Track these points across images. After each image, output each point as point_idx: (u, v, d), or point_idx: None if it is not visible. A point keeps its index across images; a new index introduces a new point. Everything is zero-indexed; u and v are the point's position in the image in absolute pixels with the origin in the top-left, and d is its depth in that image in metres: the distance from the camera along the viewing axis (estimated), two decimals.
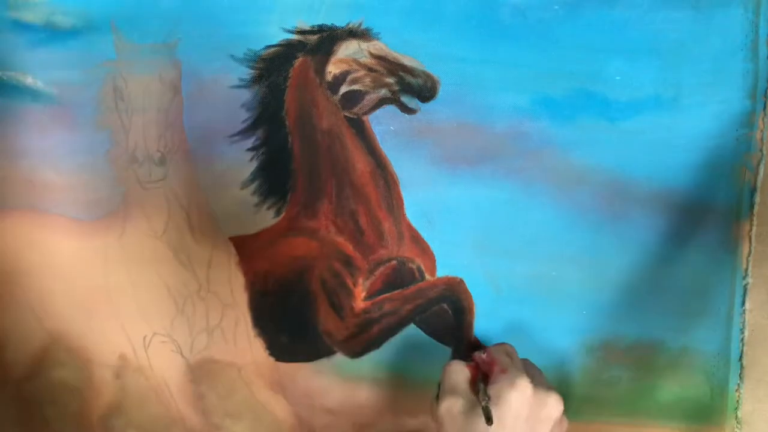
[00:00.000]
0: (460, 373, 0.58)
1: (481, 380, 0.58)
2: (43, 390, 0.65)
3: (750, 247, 0.62)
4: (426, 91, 0.62)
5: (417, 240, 0.64)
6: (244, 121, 0.63)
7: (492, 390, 0.55)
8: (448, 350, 0.65)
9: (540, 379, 0.57)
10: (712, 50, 0.60)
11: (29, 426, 0.65)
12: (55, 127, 0.62)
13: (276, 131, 0.63)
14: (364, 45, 0.62)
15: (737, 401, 0.64)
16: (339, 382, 0.65)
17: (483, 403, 0.54)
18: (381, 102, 0.62)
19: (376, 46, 0.62)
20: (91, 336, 0.65)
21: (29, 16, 0.61)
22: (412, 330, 0.65)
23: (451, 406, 0.55)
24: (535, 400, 0.54)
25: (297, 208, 0.64)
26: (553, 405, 0.55)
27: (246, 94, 0.62)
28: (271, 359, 0.65)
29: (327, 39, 0.62)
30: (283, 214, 0.64)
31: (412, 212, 0.64)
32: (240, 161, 0.63)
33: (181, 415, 0.66)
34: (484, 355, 0.59)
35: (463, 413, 0.54)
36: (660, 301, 0.63)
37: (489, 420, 0.53)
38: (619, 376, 0.64)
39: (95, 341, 0.65)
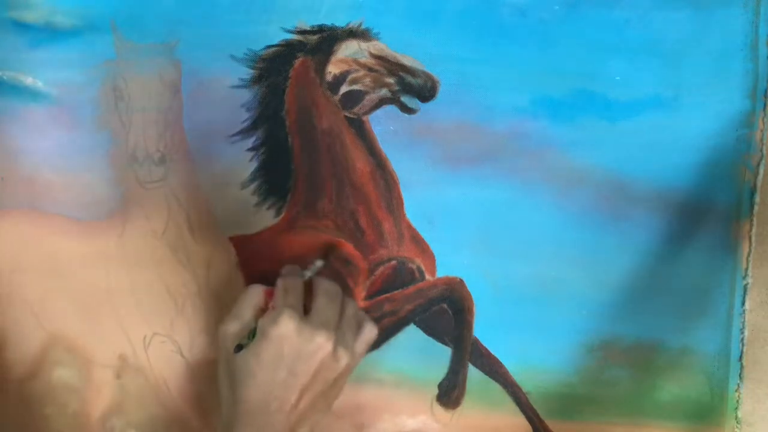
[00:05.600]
0: (251, 299, 0.57)
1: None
2: (43, 390, 0.65)
3: (750, 247, 0.62)
4: (426, 91, 0.62)
5: (417, 240, 0.64)
6: (244, 121, 0.63)
7: (259, 325, 0.54)
8: (448, 350, 0.65)
9: (322, 315, 0.55)
10: (712, 50, 0.60)
11: (29, 426, 0.65)
12: (55, 127, 0.62)
13: (276, 131, 0.63)
14: (364, 45, 0.62)
15: (737, 401, 0.64)
16: None
17: (241, 340, 0.54)
18: (381, 102, 0.63)
19: (376, 46, 0.62)
20: (91, 336, 0.65)
21: (29, 16, 0.61)
22: (412, 330, 0.65)
23: (227, 330, 0.55)
24: (299, 336, 0.53)
25: (297, 208, 0.64)
26: (319, 343, 0.53)
27: (246, 94, 0.62)
28: None
29: (327, 39, 0.62)
30: (283, 214, 0.64)
31: (412, 212, 0.64)
32: (240, 161, 0.63)
33: (181, 415, 0.66)
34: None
35: (234, 340, 0.55)
36: (660, 301, 0.63)
37: (237, 348, 0.54)
38: (619, 376, 0.64)
39: (95, 341, 0.65)
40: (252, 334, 0.55)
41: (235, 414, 0.53)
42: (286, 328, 0.53)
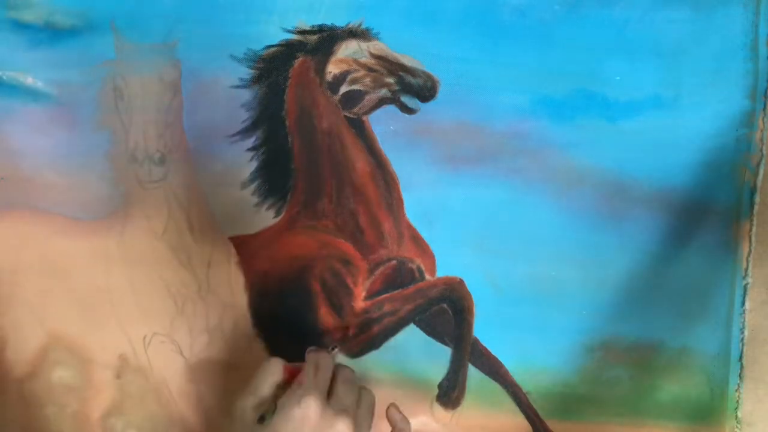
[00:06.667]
0: (270, 374, 0.55)
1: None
2: (43, 390, 0.65)
3: (750, 247, 0.62)
4: (426, 91, 0.62)
5: (417, 240, 0.64)
6: (244, 121, 0.63)
7: (281, 400, 0.53)
8: (448, 350, 0.65)
9: (343, 401, 0.54)
10: (712, 50, 0.60)
11: (29, 426, 0.65)
12: (55, 127, 0.62)
13: (276, 131, 0.63)
14: (364, 45, 0.62)
15: (737, 401, 0.64)
16: None
17: (263, 411, 0.53)
18: (381, 102, 0.63)
19: (376, 46, 0.62)
20: (91, 336, 0.65)
21: (29, 16, 0.61)
22: (412, 330, 0.65)
23: (245, 405, 0.54)
24: (320, 421, 0.52)
25: (297, 208, 0.64)
26: (340, 430, 0.52)
27: (246, 94, 0.62)
28: None
29: (327, 39, 0.62)
30: (283, 214, 0.64)
31: (412, 212, 0.64)
32: (240, 161, 0.63)
33: (181, 415, 0.66)
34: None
35: (252, 416, 0.53)
36: (660, 301, 0.63)
37: (260, 419, 0.53)
38: (619, 376, 0.64)
39: (95, 341, 0.65)
40: (272, 408, 0.53)
41: None
42: (309, 410, 0.52)
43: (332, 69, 0.62)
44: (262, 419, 0.53)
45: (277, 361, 0.57)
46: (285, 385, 0.55)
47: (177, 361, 0.65)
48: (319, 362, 0.56)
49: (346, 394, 0.55)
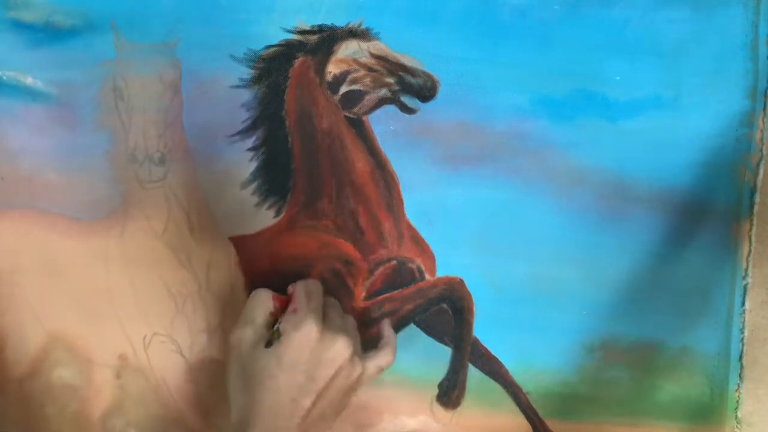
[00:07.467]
0: (261, 304, 0.58)
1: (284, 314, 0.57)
2: (43, 390, 0.65)
3: (750, 247, 0.62)
4: (426, 91, 0.62)
5: (417, 240, 0.64)
6: (244, 121, 0.63)
7: (282, 326, 0.55)
8: (448, 350, 0.65)
9: (336, 323, 0.57)
10: (712, 50, 0.60)
11: (29, 426, 0.65)
12: (55, 127, 0.62)
13: (276, 131, 0.63)
14: (364, 45, 0.62)
15: (737, 401, 0.64)
16: None
17: (269, 337, 0.55)
18: (381, 102, 0.63)
19: (376, 46, 0.62)
20: (91, 336, 0.65)
21: (29, 16, 0.61)
22: (412, 330, 0.65)
23: (242, 336, 0.56)
24: (320, 343, 0.54)
25: (297, 208, 0.64)
26: (339, 349, 0.54)
27: (246, 94, 0.62)
28: None
29: (327, 39, 0.62)
30: (283, 214, 0.64)
31: (412, 212, 0.64)
32: (240, 161, 0.63)
33: (181, 415, 0.66)
34: (291, 289, 0.60)
35: (250, 345, 0.55)
36: (660, 301, 0.63)
37: (268, 344, 0.55)
38: (619, 376, 0.64)
39: (95, 341, 0.65)
40: (277, 334, 0.55)
41: (248, 416, 0.53)
42: (309, 333, 0.54)
43: (332, 69, 0.62)
44: (269, 344, 0.55)
45: (265, 290, 0.59)
46: (276, 314, 0.58)
47: (177, 361, 0.65)
48: (309, 289, 0.59)
49: (336, 318, 0.58)
